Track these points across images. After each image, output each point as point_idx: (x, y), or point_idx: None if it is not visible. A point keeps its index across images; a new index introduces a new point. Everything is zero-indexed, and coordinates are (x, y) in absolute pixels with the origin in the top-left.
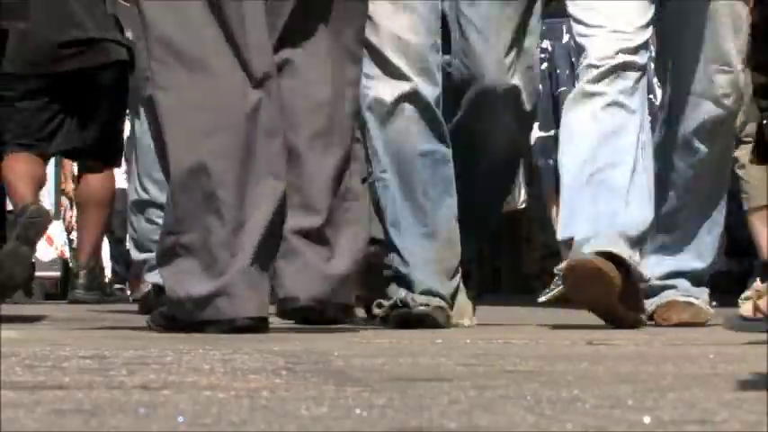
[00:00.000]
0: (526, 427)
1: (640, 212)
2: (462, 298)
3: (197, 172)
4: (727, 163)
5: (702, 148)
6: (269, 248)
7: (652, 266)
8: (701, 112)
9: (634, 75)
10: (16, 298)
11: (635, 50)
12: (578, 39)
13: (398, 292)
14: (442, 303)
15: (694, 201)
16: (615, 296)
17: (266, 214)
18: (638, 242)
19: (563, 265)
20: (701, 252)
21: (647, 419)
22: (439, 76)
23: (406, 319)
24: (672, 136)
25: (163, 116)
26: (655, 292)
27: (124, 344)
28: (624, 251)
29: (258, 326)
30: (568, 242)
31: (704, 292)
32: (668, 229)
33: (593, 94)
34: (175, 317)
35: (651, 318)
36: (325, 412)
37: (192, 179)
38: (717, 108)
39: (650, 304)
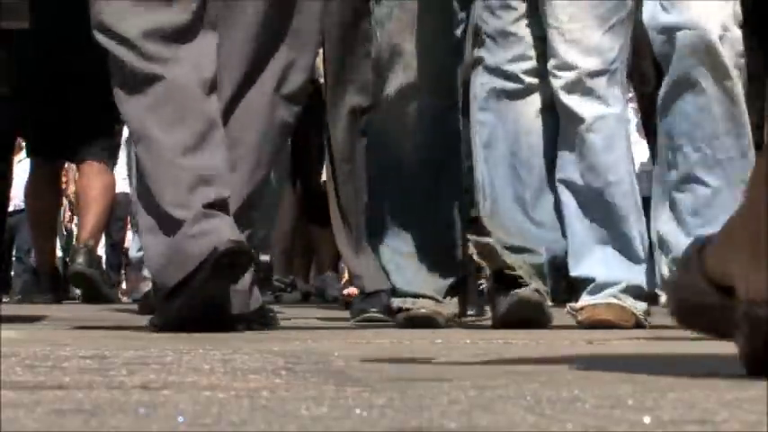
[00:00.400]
0: (526, 427)
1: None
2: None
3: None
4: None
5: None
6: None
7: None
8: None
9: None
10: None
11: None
12: None
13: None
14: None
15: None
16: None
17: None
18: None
19: (579, 305)
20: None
21: (647, 419)
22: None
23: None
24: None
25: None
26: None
27: (124, 344)
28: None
29: (240, 248)
30: (584, 281)
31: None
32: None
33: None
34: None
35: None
36: (325, 412)
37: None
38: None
39: None
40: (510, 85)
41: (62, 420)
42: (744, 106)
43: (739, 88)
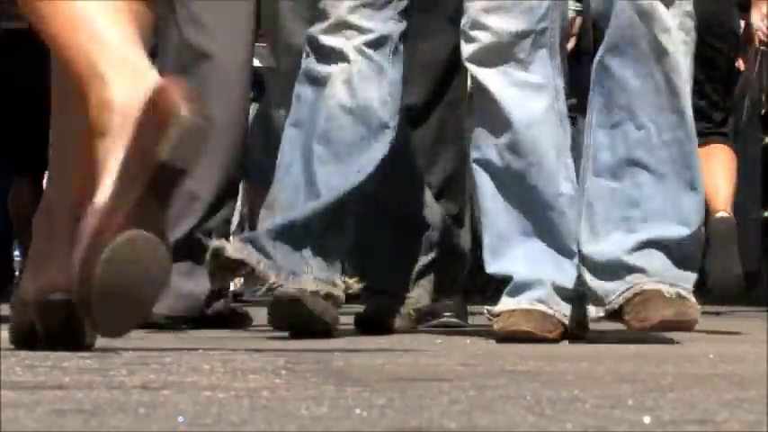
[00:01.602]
0: (526, 427)
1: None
2: None
3: None
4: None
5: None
6: None
7: (612, 241)
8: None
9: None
10: None
11: None
12: None
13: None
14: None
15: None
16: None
17: None
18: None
19: (496, 310)
20: (684, 214)
21: (647, 419)
22: None
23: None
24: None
25: None
26: (617, 274)
27: (124, 344)
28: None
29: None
30: (504, 279)
31: (691, 278)
32: (627, 178)
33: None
34: None
35: (616, 316)
36: (325, 412)
37: None
38: None
39: (614, 295)
40: None
41: (62, 420)
42: (687, 77)
43: (680, 56)
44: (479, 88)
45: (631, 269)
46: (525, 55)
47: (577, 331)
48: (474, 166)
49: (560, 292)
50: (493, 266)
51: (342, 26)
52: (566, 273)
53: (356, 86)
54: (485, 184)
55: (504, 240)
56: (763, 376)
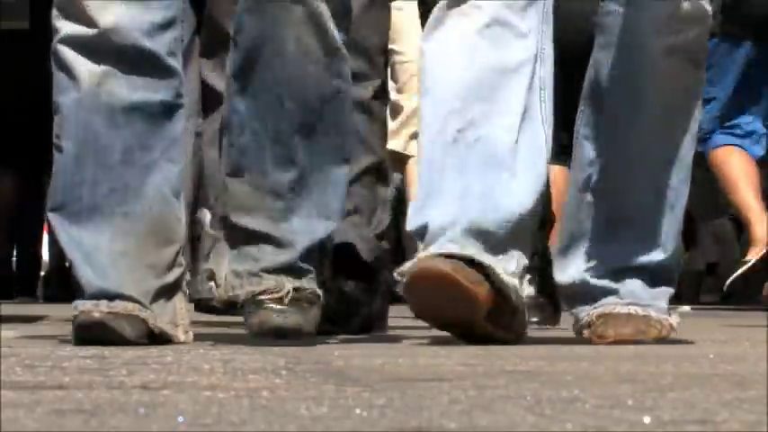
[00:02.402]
0: (526, 427)
1: (527, 191)
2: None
3: None
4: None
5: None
6: None
7: (581, 262)
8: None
9: None
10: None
11: None
12: None
13: None
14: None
15: (644, 148)
16: (479, 317)
17: None
18: (518, 235)
19: (405, 267)
20: (660, 239)
21: (647, 419)
22: None
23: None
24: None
25: None
26: (592, 296)
27: (124, 344)
28: (493, 260)
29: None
30: (420, 231)
31: (664, 295)
32: (608, 199)
33: (464, 12)
34: None
35: (583, 332)
36: (325, 412)
37: None
38: None
39: (586, 314)
40: None
41: (62, 420)
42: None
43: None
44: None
45: (605, 291)
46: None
47: (516, 301)
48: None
49: (486, 236)
50: (411, 224)
51: None
52: (497, 211)
53: None
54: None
55: (435, 190)
56: (763, 376)
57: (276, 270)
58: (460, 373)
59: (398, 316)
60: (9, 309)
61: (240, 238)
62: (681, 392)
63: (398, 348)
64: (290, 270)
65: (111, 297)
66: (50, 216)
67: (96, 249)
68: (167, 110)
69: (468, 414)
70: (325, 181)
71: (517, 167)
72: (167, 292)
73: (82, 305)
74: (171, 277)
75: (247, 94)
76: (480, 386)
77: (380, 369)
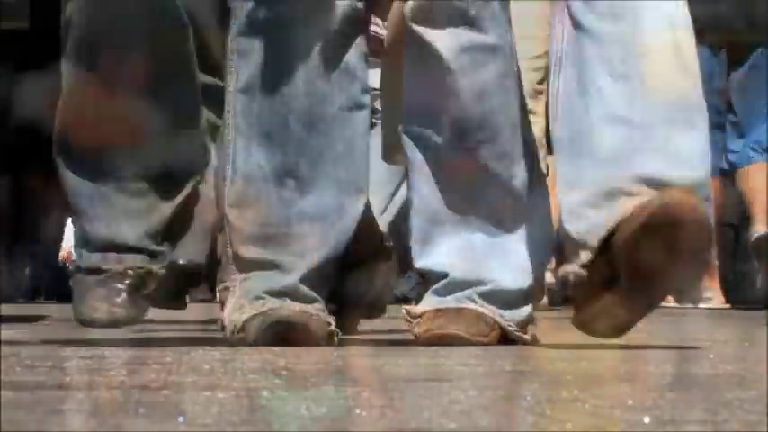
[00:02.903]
0: (526, 427)
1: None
2: None
3: None
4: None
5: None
6: None
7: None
8: None
9: None
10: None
11: None
12: None
13: None
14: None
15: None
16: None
17: None
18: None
19: (419, 310)
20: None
21: (646, 419)
22: None
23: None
24: None
25: None
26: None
27: (124, 344)
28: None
29: None
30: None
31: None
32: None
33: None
34: None
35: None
36: (325, 412)
37: None
38: None
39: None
40: None
41: (62, 420)
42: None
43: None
44: (417, 45)
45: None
46: (476, 10)
47: (518, 333)
48: (404, 138)
49: (502, 295)
50: (423, 260)
51: None
52: (513, 271)
53: None
54: (416, 157)
55: (439, 228)
56: (763, 376)
57: (279, 293)
58: (460, 373)
59: (398, 316)
60: (9, 309)
61: (246, 267)
62: (681, 392)
63: (398, 348)
64: (294, 294)
65: None
66: None
67: None
68: None
69: (468, 414)
70: (337, 213)
71: None
72: None
73: None
74: None
75: (251, 119)
76: (480, 386)
77: (380, 369)
